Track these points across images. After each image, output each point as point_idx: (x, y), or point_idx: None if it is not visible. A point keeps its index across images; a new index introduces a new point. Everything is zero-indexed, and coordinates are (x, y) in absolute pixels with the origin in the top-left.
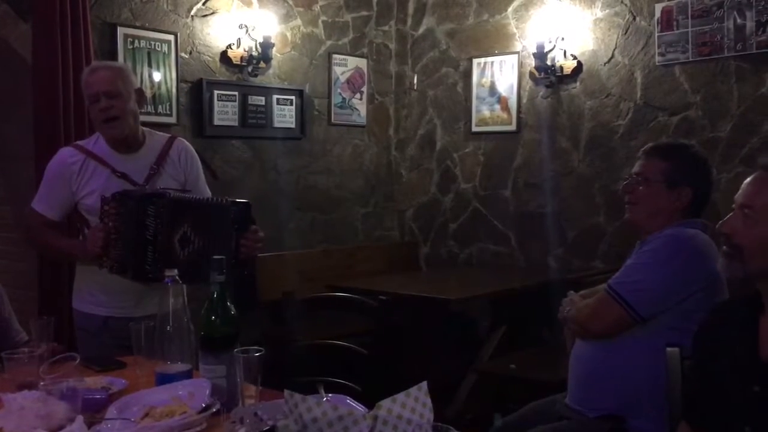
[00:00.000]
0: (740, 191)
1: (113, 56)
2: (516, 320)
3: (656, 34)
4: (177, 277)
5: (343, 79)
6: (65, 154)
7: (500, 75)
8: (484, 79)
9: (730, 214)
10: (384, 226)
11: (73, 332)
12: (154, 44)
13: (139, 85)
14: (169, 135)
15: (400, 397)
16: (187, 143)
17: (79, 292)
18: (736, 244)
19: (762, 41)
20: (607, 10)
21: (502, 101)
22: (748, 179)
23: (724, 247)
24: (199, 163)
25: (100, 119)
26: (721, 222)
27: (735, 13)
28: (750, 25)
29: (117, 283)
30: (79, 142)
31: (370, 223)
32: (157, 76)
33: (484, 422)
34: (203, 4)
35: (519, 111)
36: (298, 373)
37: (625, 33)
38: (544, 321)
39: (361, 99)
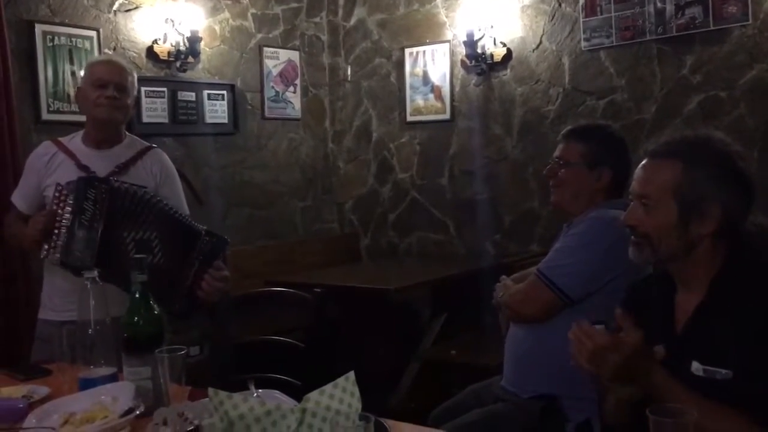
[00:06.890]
0: (634, 181)
1: (31, 55)
2: (457, 307)
3: (581, 20)
4: (97, 278)
5: (275, 72)
6: (41, 146)
7: (432, 64)
8: (416, 69)
9: (630, 205)
10: (323, 219)
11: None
12: (75, 41)
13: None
14: (149, 144)
15: (328, 388)
16: (165, 156)
17: (42, 299)
18: (643, 233)
19: (681, 24)
20: None
21: (435, 90)
22: (638, 168)
23: (633, 237)
24: (177, 179)
25: (97, 102)
26: (623, 215)
27: None
28: (669, 8)
29: (68, 282)
30: (59, 138)
31: (309, 217)
32: (79, 74)
33: (428, 411)
34: None
35: (452, 99)
36: (237, 371)
37: (552, 19)
38: (484, 306)
39: (294, 92)
